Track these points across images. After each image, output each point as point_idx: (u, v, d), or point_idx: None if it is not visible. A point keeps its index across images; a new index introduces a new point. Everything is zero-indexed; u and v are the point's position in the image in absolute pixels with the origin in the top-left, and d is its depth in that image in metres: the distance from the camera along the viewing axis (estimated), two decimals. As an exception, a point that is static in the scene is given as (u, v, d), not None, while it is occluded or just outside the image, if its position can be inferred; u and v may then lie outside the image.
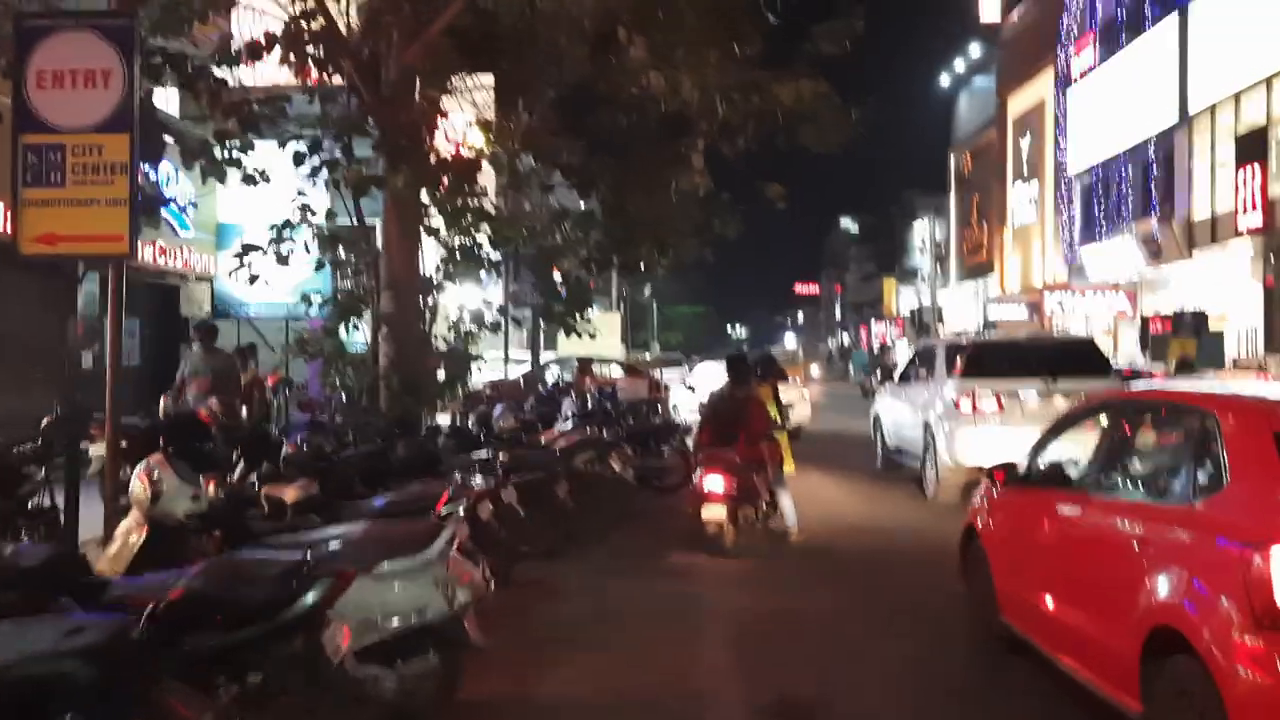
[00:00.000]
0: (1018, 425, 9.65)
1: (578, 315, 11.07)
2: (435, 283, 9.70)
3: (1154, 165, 24.34)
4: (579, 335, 11.11)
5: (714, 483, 8.00)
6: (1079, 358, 10.96)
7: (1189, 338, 17.72)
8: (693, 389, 16.70)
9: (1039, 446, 5.55)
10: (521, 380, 16.71)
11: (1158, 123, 23.19)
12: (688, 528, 8.46)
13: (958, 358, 11.20)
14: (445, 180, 8.45)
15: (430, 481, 6.14)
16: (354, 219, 9.37)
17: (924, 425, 11.35)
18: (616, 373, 20.13)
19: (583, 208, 11.64)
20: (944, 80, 43.00)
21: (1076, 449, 5.28)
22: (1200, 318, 18.52)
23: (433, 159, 8.62)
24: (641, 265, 10.53)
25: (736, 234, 10.45)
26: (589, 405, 11.91)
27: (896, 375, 14.47)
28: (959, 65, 41.38)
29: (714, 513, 8.00)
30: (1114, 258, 25.76)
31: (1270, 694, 3.24)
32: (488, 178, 9.69)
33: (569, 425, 10.47)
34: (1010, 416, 10.25)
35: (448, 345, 9.92)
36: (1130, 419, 4.90)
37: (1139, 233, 24.25)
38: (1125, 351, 24.07)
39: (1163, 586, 3.78)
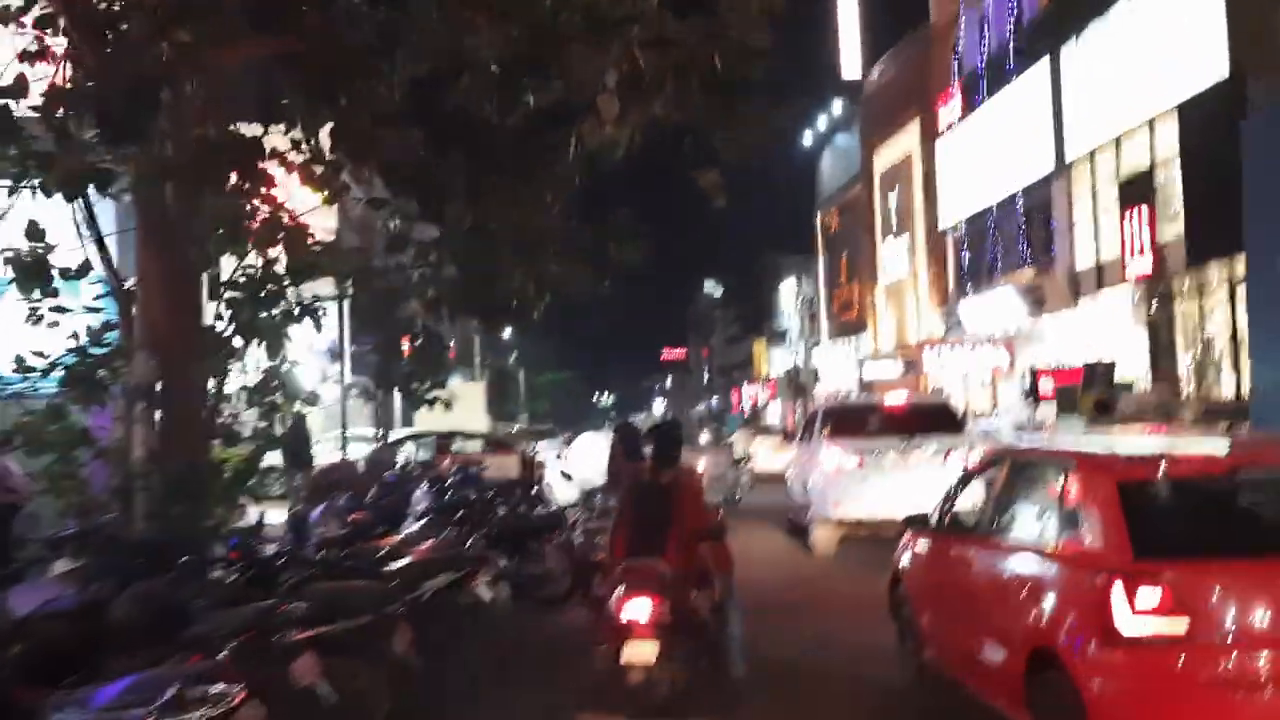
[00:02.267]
0: (881, 481, 10.87)
1: (429, 379, 8.38)
2: (223, 336, 6.83)
3: (1033, 214, 23.86)
4: (430, 405, 8.43)
5: (637, 609, 5.40)
6: (936, 416, 12.09)
7: (1102, 390, 16.62)
8: (569, 477, 13.59)
9: (946, 498, 6.08)
10: (364, 463, 13.67)
11: (1034, 171, 22.69)
12: (596, 671, 5.82)
13: (827, 421, 12.26)
14: (209, 171, 5.56)
15: (155, 670, 3.41)
16: (94, 239, 6.47)
17: (804, 484, 12.27)
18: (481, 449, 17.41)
19: (429, 233, 8.93)
20: (806, 139, 42.86)
21: (977, 498, 5.83)
22: (1110, 369, 17.54)
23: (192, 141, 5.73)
24: (514, 303, 7.89)
25: (639, 261, 8.10)
26: (447, 494, 9.50)
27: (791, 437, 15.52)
28: (821, 123, 41.30)
29: (638, 652, 5.41)
30: (993, 310, 25.14)
31: (1115, 698, 4.05)
32: (291, 191, 6.87)
33: (421, 524, 8.06)
34: (873, 473, 11.14)
35: (238, 426, 7.05)
36: (1014, 471, 5.46)
37: (1021, 283, 23.61)
38: (1005, 406, 23.21)
39: (1038, 614, 4.52)
